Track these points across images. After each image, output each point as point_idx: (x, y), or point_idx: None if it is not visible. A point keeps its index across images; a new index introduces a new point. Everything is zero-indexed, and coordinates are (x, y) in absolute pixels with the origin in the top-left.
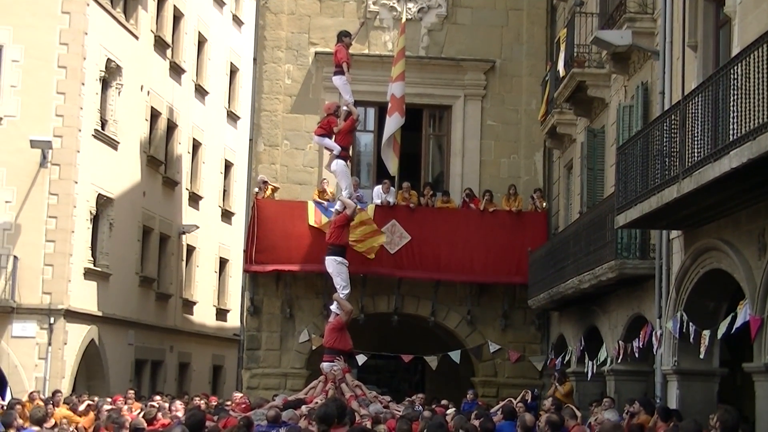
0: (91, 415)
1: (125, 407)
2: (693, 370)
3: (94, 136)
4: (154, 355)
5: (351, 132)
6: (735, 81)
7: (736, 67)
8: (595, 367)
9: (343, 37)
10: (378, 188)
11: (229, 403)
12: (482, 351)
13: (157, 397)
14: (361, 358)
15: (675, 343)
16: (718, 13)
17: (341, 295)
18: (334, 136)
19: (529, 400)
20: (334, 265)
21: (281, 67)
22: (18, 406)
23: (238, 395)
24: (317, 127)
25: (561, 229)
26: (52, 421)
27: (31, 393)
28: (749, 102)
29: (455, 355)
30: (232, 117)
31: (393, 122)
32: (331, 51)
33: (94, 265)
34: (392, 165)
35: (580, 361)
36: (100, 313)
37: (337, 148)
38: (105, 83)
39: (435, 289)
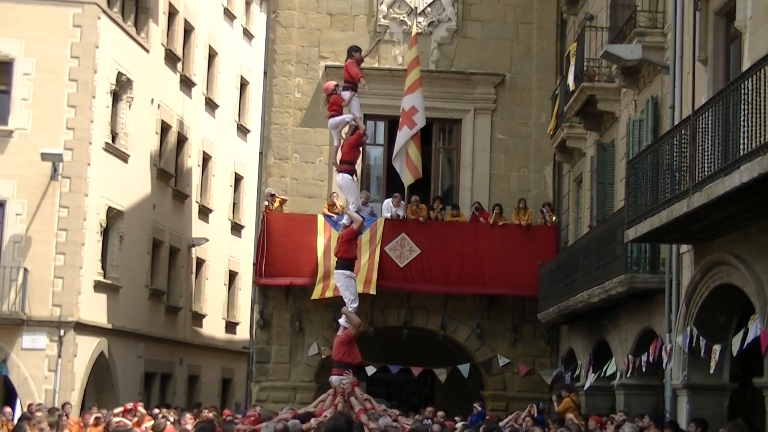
0: (100, 428)
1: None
2: (703, 385)
3: (105, 149)
4: (163, 368)
5: (357, 146)
6: (745, 95)
7: (746, 82)
8: (593, 379)
9: (353, 52)
10: (388, 202)
11: (239, 417)
12: (492, 364)
13: (156, 410)
14: (370, 370)
15: (685, 357)
16: (729, 28)
17: (349, 309)
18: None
19: (535, 414)
20: (342, 278)
21: (291, 81)
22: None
23: (258, 409)
24: (328, 113)
25: (571, 243)
26: None
27: (30, 405)
28: (760, 116)
29: (464, 369)
30: (242, 130)
31: (400, 136)
32: (341, 65)
33: (104, 278)
34: (405, 177)
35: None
36: (109, 326)
37: (350, 116)
38: (116, 96)
39: (445, 302)
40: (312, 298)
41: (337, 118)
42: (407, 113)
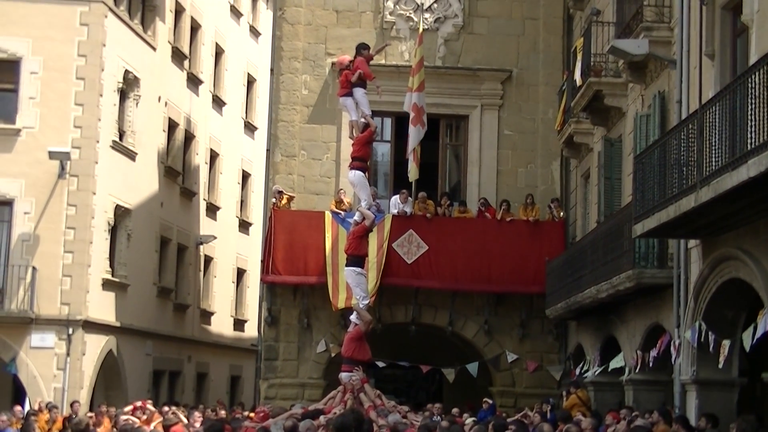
0: (107, 424)
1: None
2: (712, 380)
3: (112, 147)
4: (172, 366)
5: (369, 143)
6: (752, 90)
7: (753, 76)
8: (596, 373)
9: (362, 49)
10: (395, 198)
11: (246, 413)
12: (500, 361)
13: (165, 408)
14: (379, 365)
15: (693, 352)
16: (736, 22)
17: (361, 306)
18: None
19: (547, 412)
20: (353, 275)
21: (298, 78)
22: (33, 417)
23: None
24: (339, 89)
25: (578, 239)
26: None
27: (39, 403)
28: (767, 110)
29: (473, 368)
30: (250, 127)
31: (416, 132)
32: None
33: (113, 276)
34: (411, 173)
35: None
36: (118, 324)
37: (363, 90)
38: (123, 94)
39: (452, 298)
40: (338, 308)
41: (348, 102)
42: (420, 110)
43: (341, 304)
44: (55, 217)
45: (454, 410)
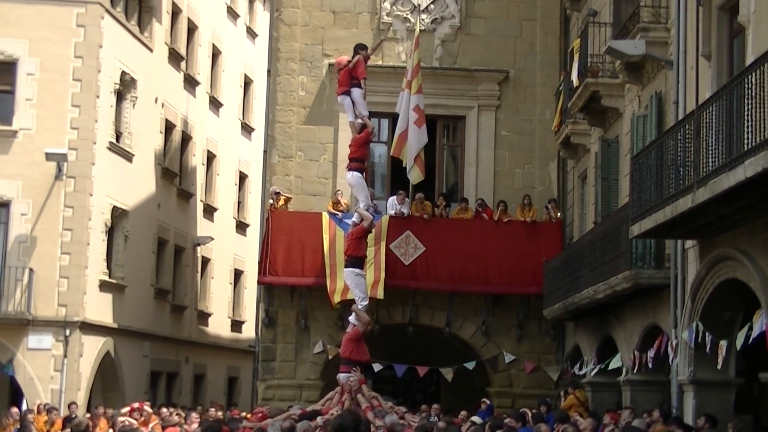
0: (104, 425)
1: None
2: (709, 380)
3: (109, 149)
4: (169, 367)
5: (366, 144)
6: (749, 90)
7: (750, 77)
8: (593, 372)
9: (360, 49)
10: (392, 199)
11: (244, 414)
12: (497, 361)
13: (164, 409)
14: (376, 367)
15: (691, 353)
16: (732, 23)
17: (359, 307)
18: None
19: (545, 414)
20: (352, 277)
21: (295, 79)
22: (30, 416)
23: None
24: (338, 88)
25: (575, 239)
26: None
27: (38, 405)
28: (764, 111)
29: (470, 364)
30: (247, 129)
31: (419, 134)
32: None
33: (110, 277)
34: (413, 174)
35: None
36: (115, 325)
37: (360, 91)
38: (120, 96)
39: (450, 299)
40: (335, 303)
41: (346, 101)
42: (423, 112)
43: (338, 297)
44: (52, 218)
45: (463, 413)
